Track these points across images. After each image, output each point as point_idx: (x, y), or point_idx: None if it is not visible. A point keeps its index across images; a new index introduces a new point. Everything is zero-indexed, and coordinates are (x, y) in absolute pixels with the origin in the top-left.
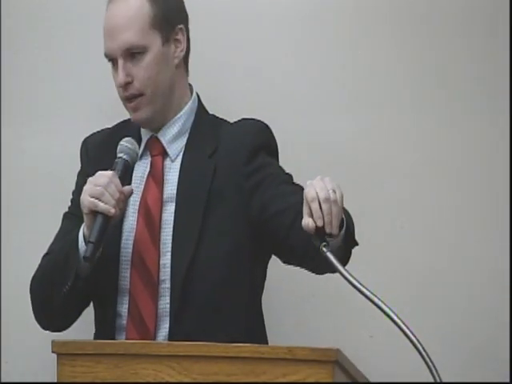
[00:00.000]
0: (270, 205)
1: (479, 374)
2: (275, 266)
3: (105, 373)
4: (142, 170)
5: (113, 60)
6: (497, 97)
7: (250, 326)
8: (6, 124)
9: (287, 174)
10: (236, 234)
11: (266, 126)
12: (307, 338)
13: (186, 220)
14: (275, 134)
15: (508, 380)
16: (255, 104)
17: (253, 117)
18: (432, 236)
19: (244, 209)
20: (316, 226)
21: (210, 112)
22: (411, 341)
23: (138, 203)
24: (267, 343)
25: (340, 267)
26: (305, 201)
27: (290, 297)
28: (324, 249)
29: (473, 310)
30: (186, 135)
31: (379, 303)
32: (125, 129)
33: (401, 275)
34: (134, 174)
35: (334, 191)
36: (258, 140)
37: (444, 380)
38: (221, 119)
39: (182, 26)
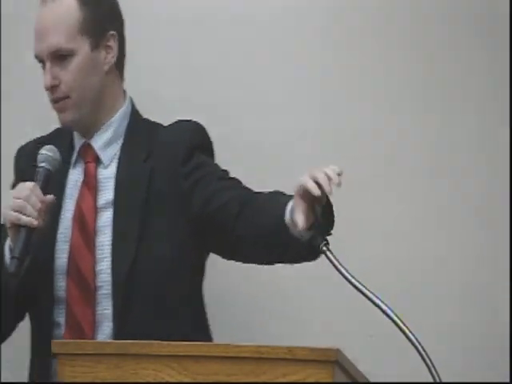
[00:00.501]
0: (212, 199)
1: (479, 374)
2: (275, 265)
3: (105, 373)
4: (75, 177)
5: (42, 62)
6: (497, 97)
7: (195, 322)
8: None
9: (224, 170)
10: (177, 233)
11: (200, 125)
12: (307, 338)
13: (125, 224)
14: (271, 134)
15: (508, 380)
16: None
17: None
18: (432, 236)
19: (184, 208)
20: (308, 227)
21: (150, 116)
22: (411, 341)
23: (72, 211)
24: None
25: (341, 267)
26: (304, 179)
27: (290, 297)
28: (324, 248)
29: (473, 310)
30: (121, 140)
31: (379, 303)
32: (58, 136)
33: (401, 275)
34: (68, 182)
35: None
36: (193, 140)
37: (444, 380)
38: (155, 122)
39: (114, 32)
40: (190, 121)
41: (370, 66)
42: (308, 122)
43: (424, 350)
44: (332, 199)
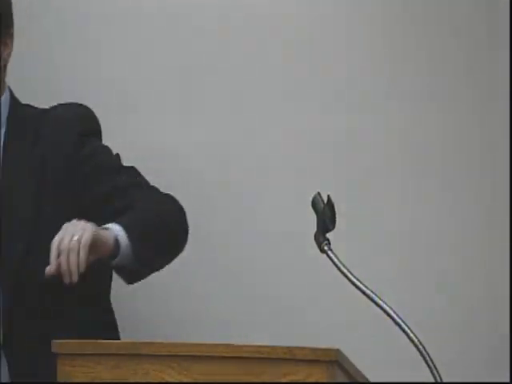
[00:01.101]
0: (108, 201)
1: (479, 374)
2: (275, 264)
3: (105, 373)
4: None
5: None
6: (497, 97)
7: (95, 321)
8: None
9: (116, 155)
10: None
11: (88, 109)
12: (307, 338)
13: (15, 216)
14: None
15: (508, 380)
16: None
17: None
18: (433, 236)
19: (79, 197)
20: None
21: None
22: (412, 341)
23: None
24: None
25: (342, 266)
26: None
27: (290, 296)
28: (325, 247)
29: (473, 310)
30: (3, 128)
31: (380, 302)
32: None
33: (402, 275)
34: None
35: (79, 239)
36: (84, 124)
37: (444, 380)
38: (36, 108)
39: (12, 30)
40: (76, 104)
41: (369, 66)
42: (309, 122)
43: (425, 350)
44: (333, 199)
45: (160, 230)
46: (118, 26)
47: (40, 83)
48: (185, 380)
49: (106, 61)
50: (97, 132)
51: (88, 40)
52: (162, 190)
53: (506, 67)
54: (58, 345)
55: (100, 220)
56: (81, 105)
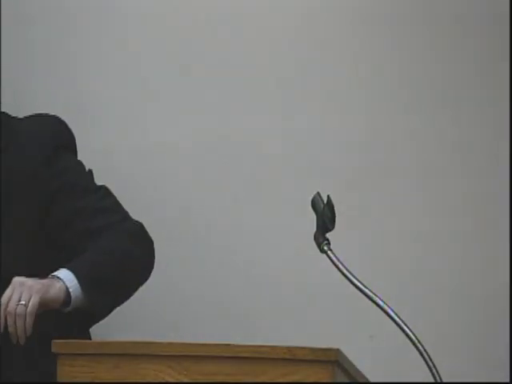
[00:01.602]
0: (70, 223)
1: (479, 374)
2: (275, 264)
3: (105, 373)
4: None
5: None
6: (497, 97)
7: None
8: None
9: (88, 172)
10: (32, 235)
11: (62, 121)
12: (307, 338)
13: None
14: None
15: (508, 380)
16: None
17: None
18: (433, 236)
19: (43, 213)
20: None
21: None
22: (412, 341)
23: None
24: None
25: (342, 267)
26: None
27: (290, 296)
28: (325, 247)
29: (473, 310)
30: None
31: (380, 302)
32: None
33: (401, 275)
34: None
35: (26, 305)
36: (57, 138)
37: (444, 380)
38: (7, 114)
39: None
40: (50, 116)
41: (368, 66)
42: (310, 122)
43: (425, 350)
44: (333, 198)
45: (116, 273)
46: (117, 26)
47: (37, 79)
48: (185, 380)
49: (105, 61)
50: (69, 146)
51: (87, 40)
52: (162, 190)
53: (506, 66)
54: (59, 345)
55: (61, 241)
56: (55, 117)
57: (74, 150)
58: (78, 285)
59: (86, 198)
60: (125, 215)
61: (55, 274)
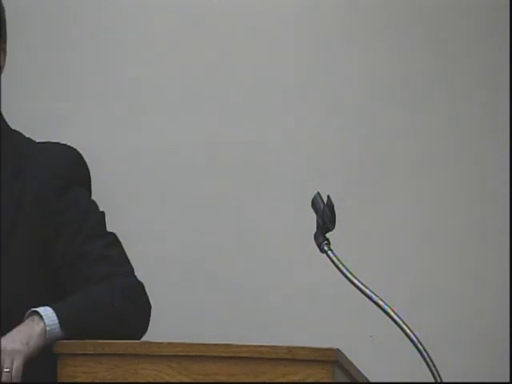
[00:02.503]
0: (73, 264)
1: (479, 374)
2: (275, 264)
3: (105, 373)
4: None
5: None
6: (497, 97)
7: None
8: None
9: (100, 213)
10: (34, 263)
11: (80, 154)
12: (307, 338)
13: None
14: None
15: (508, 380)
16: None
17: None
18: (433, 236)
19: (47, 245)
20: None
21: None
22: (412, 340)
23: None
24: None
25: (342, 266)
26: None
27: (290, 296)
28: (325, 247)
29: (473, 310)
30: None
31: (380, 302)
32: None
33: (401, 275)
34: None
35: (10, 371)
36: (72, 171)
37: (444, 380)
38: (24, 136)
39: (5, 46)
40: (69, 147)
41: (368, 66)
42: (310, 122)
43: (425, 350)
44: (333, 198)
45: (100, 326)
46: (117, 25)
47: (37, 79)
48: (185, 380)
49: (105, 61)
50: (84, 181)
51: (87, 39)
52: (162, 190)
53: (506, 67)
54: (59, 345)
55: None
56: (72, 148)
57: (88, 186)
58: (59, 328)
59: (92, 241)
60: (128, 270)
61: (40, 312)
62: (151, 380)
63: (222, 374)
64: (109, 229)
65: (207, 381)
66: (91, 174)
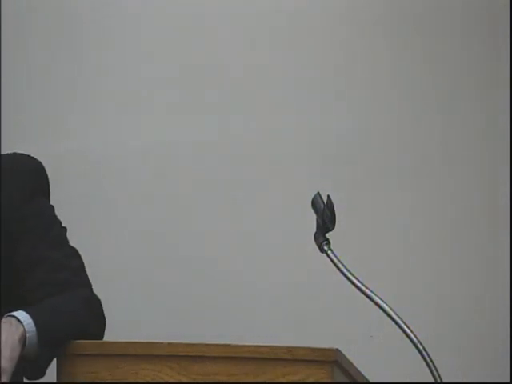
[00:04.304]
0: (31, 270)
1: (479, 374)
2: (275, 264)
3: (105, 373)
4: None
5: None
6: (497, 97)
7: None
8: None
9: (63, 227)
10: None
11: (41, 165)
12: (307, 338)
13: None
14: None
15: (508, 380)
16: None
17: None
18: (432, 236)
19: (9, 253)
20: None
21: None
22: (412, 340)
23: None
24: None
25: (342, 266)
26: None
27: (290, 296)
28: (325, 247)
29: (473, 310)
30: None
31: (380, 302)
32: None
33: (401, 275)
34: None
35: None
36: (33, 182)
37: (444, 380)
38: None
39: None
40: (32, 158)
41: (367, 66)
42: (310, 121)
43: (425, 350)
44: (333, 198)
45: (68, 334)
46: (117, 25)
47: (37, 78)
48: (184, 380)
49: (105, 61)
50: (44, 191)
51: (87, 39)
52: (162, 190)
53: (506, 67)
54: None
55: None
56: (36, 160)
57: (47, 195)
58: (36, 333)
59: (54, 249)
60: (87, 283)
61: (18, 317)
62: (151, 380)
63: (222, 374)
64: (107, 227)
65: (207, 381)
66: (92, 173)
